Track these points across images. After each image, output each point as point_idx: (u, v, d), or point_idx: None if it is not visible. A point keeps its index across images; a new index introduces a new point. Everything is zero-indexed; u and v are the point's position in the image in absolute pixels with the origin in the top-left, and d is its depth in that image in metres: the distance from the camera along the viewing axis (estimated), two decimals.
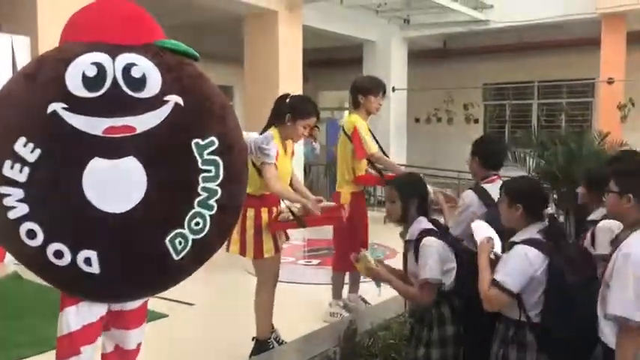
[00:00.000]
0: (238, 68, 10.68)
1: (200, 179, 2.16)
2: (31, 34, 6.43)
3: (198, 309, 5.01)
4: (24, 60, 6.36)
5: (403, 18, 12.36)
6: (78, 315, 2.21)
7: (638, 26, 11.32)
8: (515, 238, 2.63)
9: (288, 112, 3.72)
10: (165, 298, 4.91)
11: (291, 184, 3.89)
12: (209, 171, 2.17)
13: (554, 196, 7.56)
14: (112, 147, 2.06)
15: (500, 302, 2.52)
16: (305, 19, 10.05)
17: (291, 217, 3.76)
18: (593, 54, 10.89)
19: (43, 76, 2.04)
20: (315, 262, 6.30)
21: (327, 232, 6.18)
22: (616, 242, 2.36)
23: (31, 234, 2.04)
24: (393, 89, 12.47)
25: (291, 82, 9.31)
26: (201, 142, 2.15)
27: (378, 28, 12.32)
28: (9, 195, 2.00)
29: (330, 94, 16.90)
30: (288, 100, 3.80)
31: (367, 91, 4.64)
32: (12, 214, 2.02)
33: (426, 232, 2.84)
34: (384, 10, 11.72)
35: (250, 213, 3.67)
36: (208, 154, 2.16)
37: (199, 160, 2.15)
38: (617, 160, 2.92)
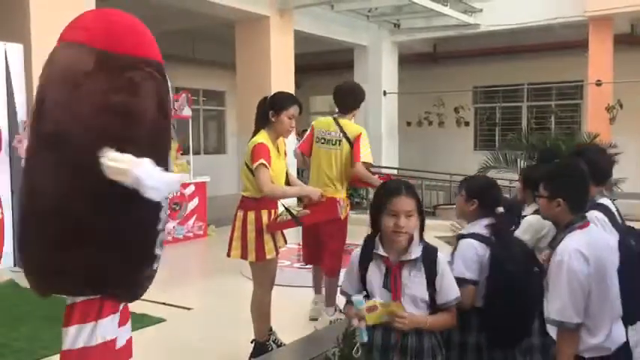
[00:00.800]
0: (230, 73, 10.73)
1: None
2: (24, 42, 6.45)
3: (197, 313, 5.03)
4: (17, 67, 6.38)
5: (393, 22, 12.46)
6: (113, 323, 2.32)
7: (624, 29, 11.49)
8: (463, 231, 2.83)
9: (270, 109, 3.79)
10: (163, 303, 4.97)
11: (287, 183, 3.95)
12: None
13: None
14: None
15: (471, 296, 2.64)
16: (296, 25, 10.12)
17: (289, 218, 3.81)
18: (581, 56, 11.03)
19: (167, 93, 2.28)
20: (310, 265, 6.33)
21: None
22: (553, 243, 2.48)
23: (160, 243, 2.32)
24: (385, 93, 12.56)
25: (283, 86, 9.35)
26: None
27: (369, 33, 12.42)
28: (163, 206, 2.25)
29: (322, 99, 16.96)
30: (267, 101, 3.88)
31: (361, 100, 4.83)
32: (160, 225, 2.28)
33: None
34: (374, 15, 11.82)
35: (251, 216, 3.72)
36: None
37: None
38: (578, 154, 3.10)
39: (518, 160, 8.50)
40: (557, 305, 2.32)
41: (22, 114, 6.42)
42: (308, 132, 4.89)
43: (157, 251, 2.29)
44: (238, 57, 10.10)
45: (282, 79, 9.73)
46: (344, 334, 3.52)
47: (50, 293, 2.32)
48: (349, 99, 4.79)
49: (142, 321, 4.43)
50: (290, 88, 9.81)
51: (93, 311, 2.24)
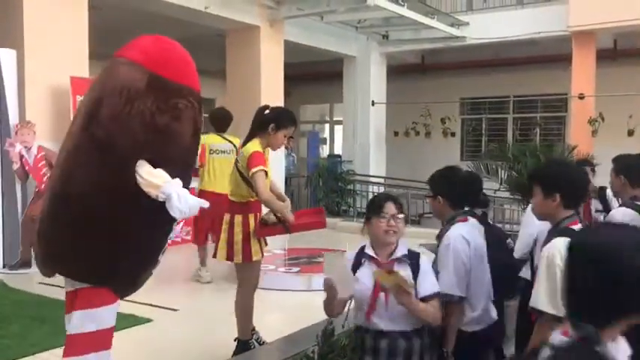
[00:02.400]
0: (221, 81, 10.85)
1: None
2: (17, 48, 6.55)
3: (182, 314, 5.14)
4: (10, 73, 6.48)
5: (382, 34, 12.66)
6: (112, 313, 2.50)
7: (607, 44, 11.74)
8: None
9: (272, 123, 3.92)
10: (149, 304, 5.07)
11: (271, 189, 4.09)
12: None
13: (525, 206, 7.83)
14: None
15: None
16: (286, 35, 10.28)
17: (275, 221, 3.94)
18: (565, 70, 11.26)
19: (200, 123, 2.57)
20: (294, 269, 6.46)
21: (307, 241, 6.38)
22: (440, 234, 2.97)
23: (164, 251, 2.64)
24: (373, 103, 12.73)
25: (272, 95, 9.51)
26: None
27: (358, 44, 12.60)
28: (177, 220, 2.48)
29: (311, 108, 17.15)
30: (269, 112, 4.00)
31: None
32: (171, 235, 2.57)
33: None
34: (363, 26, 12.00)
35: (238, 219, 3.86)
36: None
37: None
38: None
39: (499, 169, 8.67)
40: (445, 281, 2.75)
41: (13, 118, 6.51)
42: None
43: (161, 257, 2.58)
44: (229, 66, 10.24)
45: (272, 88, 9.88)
46: (323, 333, 3.66)
47: (53, 273, 2.50)
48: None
49: (129, 321, 4.53)
50: (280, 97, 9.96)
51: (96, 299, 2.39)
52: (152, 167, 2.30)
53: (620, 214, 3.34)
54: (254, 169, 3.74)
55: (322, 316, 4.61)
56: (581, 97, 10.73)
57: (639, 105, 10.88)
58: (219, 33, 10.17)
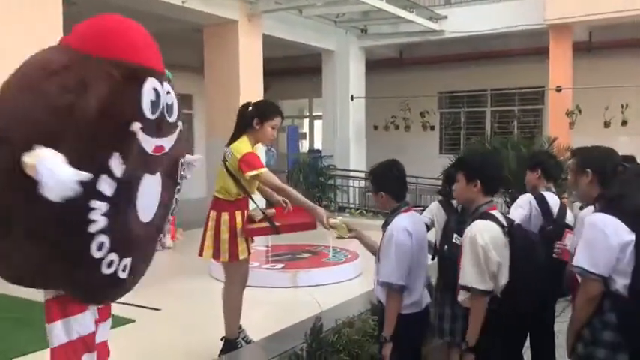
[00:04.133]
0: (199, 77, 10.74)
1: (176, 191, 2.57)
2: None
3: (165, 314, 5.07)
4: None
5: (361, 28, 12.64)
6: (88, 318, 2.33)
7: (583, 37, 11.88)
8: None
9: (255, 117, 3.87)
10: (131, 304, 4.98)
11: (259, 188, 4.05)
12: (179, 184, 2.58)
13: (507, 199, 7.90)
14: (154, 164, 2.32)
15: None
16: (265, 29, 10.20)
17: (261, 217, 3.91)
18: (542, 63, 11.36)
19: (128, 95, 2.15)
20: (279, 266, 6.42)
21: (290, 237, 6.33)
22: (385, 225, 3.14)
23: (100, 246, 2.13)
24: (352, 97, 12.72)
25: (251, 90, 9.44)
26: (182, 160, 2.55)
27: (337, 38, 12.57)
28: (96, 209, 2.08)
29: (291, 102, 17.08)
30: (251, 107, 3.95)
31: None
32: (92, 228, 2.08)
33: None
34: (342, 21, 11.97)
35: (225, 217, 3.80)
36: (182, 170, 2.57)
37: (179, 175, 2.55)
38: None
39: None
40: (387, 270, 2.95)
41: None
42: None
43: (97, 254, 2.12)
44: (207, 61, 10.13)
45: (250, 82, 9.80)
46: (312, 330, 3.64)
47: (10, 281, 2.25)
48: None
49: (111, 322, 4.45)
50: (259, 92, 9.88)
51: (67, 307, 2.29)
52: (42, 148, 1.94)
53: None
54: (257, 171, 3.74)
55: (309, 312, 4.61)
56: (559, 89, 10.85)
57: (615, 97, 11.01)
58: (196, 28, 10.05)
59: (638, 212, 2.45)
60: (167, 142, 2.32)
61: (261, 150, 9.27)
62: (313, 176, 12.04)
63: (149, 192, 2.32)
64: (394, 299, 2.99)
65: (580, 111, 10.71)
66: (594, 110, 10.84)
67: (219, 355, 3.93)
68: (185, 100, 14.70)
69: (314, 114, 16.86)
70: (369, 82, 13.27)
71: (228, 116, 4.06)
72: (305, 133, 17.20)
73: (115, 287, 2.32)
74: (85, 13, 2.36)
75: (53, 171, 1.89)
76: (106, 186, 2.08)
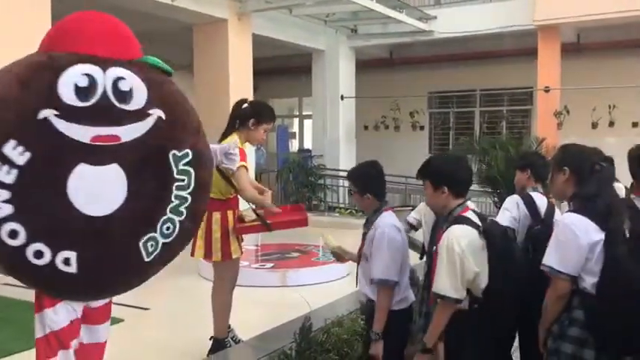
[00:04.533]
0: (188, 75, 10.70)
1: (174, 188, 2.34)
2: None
3: (154, 313, 5.06)
4: None
5: (351, 28, 12.65)
6: (60, 314, 2.28)
7: (571, 38, 11.97)
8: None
9: (252, 117, 3.85)
10: (120, 304, 4.92)
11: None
12: (182, 180, 2.35)
13: (495, 199, 7.95)
14: (98, 154, 2.17)
15: None
16: (255, 28, 10.18)
17: (254, 218, 3.89)
18: (531, 64, 11.43)
19: (36, 82, 2.10)
20: (268, 265, 6.42)
21: (279, 236, 6.32)
22: (367, 223, 3.21)
23: (13, 234, 2.09)
24: (342, 97, 12.73)
25: (241, 89, 9.40)
26: (178, 154, 2.33)
27: (327, 37, 12.57)
28: None
29: (280, 102, 17.06)
30: (248, 105, 3.94)
31: None
32: None
33: None
34: (332, 20, 11.97)
35: (216, 216, 3.79)
36: (183, 164, 2.34)
37: (175, 170, 2.33)
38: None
39: (470, 162, 8.76)
40: (380, 267, 3.00)
41: None
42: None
43: (12, 242, 2.09)
44: (196, 60, 10.09)
45: (240, 82, 9.78)
46: (301, 330, 3.64)
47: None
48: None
49: (109, 325, 4.43)
50: (248, 91, 9.86)
51: (42, 301, 2.29)
52: None
53: None
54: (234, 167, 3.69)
55: (298, 312, 4.61)
56: (547, 90, 10.92)
57: (603, 98, 11.10)
58: (186, 26, 10.01)
59: (609, 212, 2.48)
60: (123, 131, 2.19)
61: (250, 149, 9.28)
62: (303, 176, 12.05)
63: (92, 183, 2.17)
64: (387, 296, 3.04)
65: (568, 112, 10.79)
66: (582, 111, 10.93)
67: (207, 355, 3.92)
68: None
69: (304, 113, 16.85)
70: (358, 82, 13.29)
71: (218, 115, 4.06)
72: (295, 133, 17.19)
73: (64, 282, 2.21)
74: (73, 11, 2.33)
75: None
76: (3, 173, 2.03)
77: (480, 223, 2.75)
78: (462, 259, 2.60)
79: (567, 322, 2.51)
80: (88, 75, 2.13)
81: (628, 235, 2.48)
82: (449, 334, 2.74)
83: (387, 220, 3.11)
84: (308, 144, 15.30)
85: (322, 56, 12.81)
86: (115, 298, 4.23)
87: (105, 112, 2.16)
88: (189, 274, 6.08)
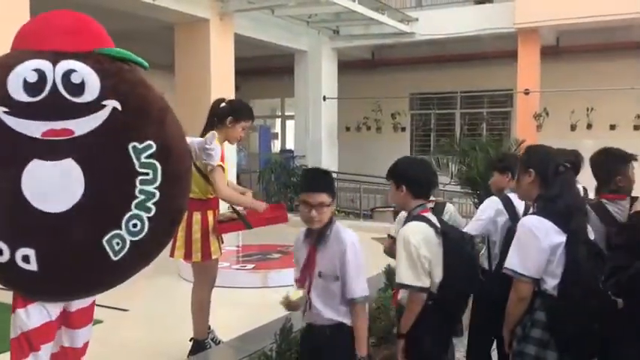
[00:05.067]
0: (169, 75, 10.63)
1: (137, 182, 2.21)
2: None
3: (133, 314, 5.01)
4: None
5: (333, 29, 12.67)
6: (31, 315, 2.25)
7: (550, 41, 12.11)
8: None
9: (229, 115, 3.84)
10: (98, 305, 4.87)
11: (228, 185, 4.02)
12: (146, 174, 2.22)
13: (475, 199, 8.02)
14: (51, 149, 2.12)
15: None
16: (237, 28, 10.15)
17: (232, 217, 3.88)
18: (511, 66, 11.55)
19: None
20: (249, 266, 6.40)
21: (260, 237, 6.31)
22: (321, 239, 2.94)
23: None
24: (324, 98, 12.74)
25: (222, 89, 9.35)
26: (139, 146, 2.20)
27: (309, 38, 12.57)
28: None
29: (263, 102, 17.03)
30: (226, 104, 3.92)
31: None
32: None
33: None
34: (314, 21, 11.98)
35: (197, 216, 3.77)
36: (146, 157, 2.21)
37: (136, 163, 2.21)
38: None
39: (450, 164, 8.84)
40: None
41: None
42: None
43: None
44: (177, 59, 10.04)
45: (221, 82, 9.74)
46: (281, 330, 3.63)
47: None
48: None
49: (90, 329, 4.38)
50: (230, 92, 9.82)
51: (16, 301, 2.27)
52: None
53: None
54: (212, 166, 3.68)
55: (279, 313, 4.59)
56: (527, 92, 11.04)
57: (581, 101, 11.25)
58: (167, 26, 9.95)
59: (571, 213, 2.51)
60: (76, 125, 2.14)
61: (232, 150, 9.25)
62: (285, 176, 12.03)
63: (47, 179, 2.13)
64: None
65: (547, 114, 10.93)
66: (561, 113, 11.07)
67: (188, 356, 3.89)
68: None
69: (286, 114, 16.84)
70: (341, 83, 13.31)
71: (199, 115, 4.02)
72: (277, 133, 17.17)
73: (26, 279, 2.19)
74: (52, 9, 2.33)
75: None
76: None
77: (438, 224, 2.83)
78: (418, 249, 2.72)
79: (530, 324, 2.54)
80: (37, 70, 2.11)
81: (593, 239, 2.56)
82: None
83: (349, 234, 2.81)
84: (290, 144, 15.30)
85: (304, 57, 12.81)
86: (102, 292, 4.15)
87: (56, 106, 2.12)
88: (168, 274, 6.04)
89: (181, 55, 9.93)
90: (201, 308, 3.91)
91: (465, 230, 3.48)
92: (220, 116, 3.86)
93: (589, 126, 11.13)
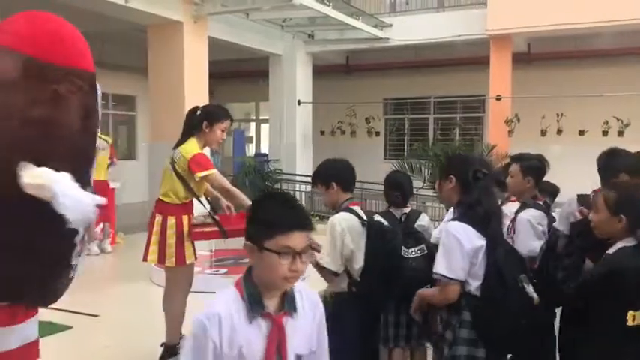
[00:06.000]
0: (142, 78, 10.53)
1: None
2: None
3: (103, 320, 4.94)
4: None
5: (308, 33, 12.70)
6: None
7: (522, 48, 12.31)
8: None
9: (204, 120, 3.84)
10: (68, 310, 4.84)
11: (207, 192, 4.01)
12: None
13: None
14: None
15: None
16: (211, 31, 10.10)
17: (208, 223, 3.87)
18: (483, 72, 11.70)
19: (92, 104, 2.14)
20: (222, 271, 6.36)
21: (234, 242, 6.28)
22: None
23: (78, 254, 2.18)
24: (299, 102, 12.76)
25: (196, 93, 9.32)
26: None
27: (284, 42, 12.58)
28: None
29: (237, 106, 16.97)
30: (200, 110, 3.92)
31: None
32: (77, 238, 2.10)
33: None
34: (289, 25, 12.00)
35: (171, 221, 3.75)
36: None
37: None
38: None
39: (423, 168, 8.91)
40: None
41: None
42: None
43: (74, 261, 2.18)
44: (150, 62, 9.94)
45: (195, 85, 9.67)
46: None
47: None
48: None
49: (47, 329, 4.29)
50: (204, 95, 9.77)
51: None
52: (36, 167, 1.93)
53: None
54: (207, 172, 3.73)
55: None
56: (498, 98, 11.19)
57: (551, 107, 11.44)
58: (140, 28, 9.86)
59: (489, 218, 2.65)
60: None
61: (206, 152, 9.20)
62: (259, 180, 11.99)
63: None
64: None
65: (519, 119, 11.09)
66: (532, 119, 11.24)
67: None
68: (128, 101, 14.41)
69: (261, 118, 16.80)
70: (315, 88, 13.34)
71: (172, 119, 4.03)
72: (251, 137, 17.12)
73: (66, 288, 2.29)
74: (21, 10, 2.23)
75: (70, 192, 1.92)
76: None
77: (364, 217, 3.13)
78: (343, 236, 3.02)
79: (458, 325, 2.65)
80: None
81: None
82: (333, 314, 2.82)
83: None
84: (265, 149, 15.27)
85: (279, 61, 12.81)
86: (63, 305, 4.07)
87: None
88: (140, 280, 5.98)
89: (155, 57, 9.84)
90: (175, 314, 3.88)
91: (432, 235, 3.52)
92: (196, 124, 3.86)
93: (559, 131, 11.32)
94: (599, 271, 2.51)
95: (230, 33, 10.85)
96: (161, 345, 3.91)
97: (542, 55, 12.47)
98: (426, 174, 8.87)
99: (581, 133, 11.23)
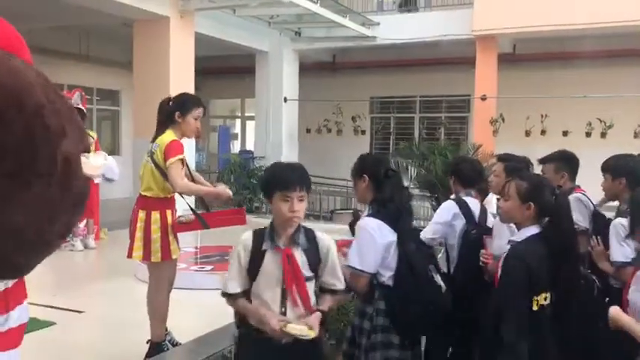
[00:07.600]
0: (127, 72, 10.46)
1: None
2: None
3: (88, 316, 4.90)
4: None
5: (295, 30, 12.67)
6: None
7: (507, 48, 12.40)
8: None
9: (177, 111, 3.81)
10: (52, 307, 4.80)
11: (192, 181, 3.96)
12: None
13: (433, 202, 8.14)
14: None
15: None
16: (197, 27, 10.05)
17: (191, 220, 3.85)
18: (469, 72, 11.77)
19: None
20: (207, 267, 6.33)
21: (219, 238, 6.26)
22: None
23: None
24: (285, 99, 12.74)
25: (182, 88, 9.07)
26: None
27: (271, 39, 12.54)
28: None
29: (222, 102, 16.91)
30: (172, 101, 3.89)
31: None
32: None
33: None
34: (276, 22, 11.97)
35: (155, 216, 3.71)
36: None
37: None
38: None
39: (409, 167, 8.95)
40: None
41: None
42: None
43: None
44: (136, 57, 9.86)
45: (181, 80, 9.61)
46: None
47: None
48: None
49: (30, 325, 4.22)
50: (190, 91, 9.67)
51: None
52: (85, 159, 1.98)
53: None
54: (172, 159, 3.64)
55: None
56: (484, 98, 11.27)
57: (536, 107, 11.54)
58: (126, 22, 9.78)
59: (400, 214, 2.85)
60: None
61: (190, 149, 9.15)
62: (244, 177, 11.96)
63: None
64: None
65: (503, 119, 11.17)
66: (516, 119, 11.32)
67: (144, 359, 3.83)
68: (112, 96, 14.29)
69: (246, 114, 16.75)
70: (302, 85, 13.32)
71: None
72: (237, 134, 17.06)
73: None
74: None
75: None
76: None
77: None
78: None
79: (375, 314, 2.81)
80: None
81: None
82: None
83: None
84: (250, 145, 15.22)
85: (266, 57, 12.78)
86: (47, 301, 3.99)
87: None
88: (124, 276, 5.93)
89: (140, 52, 9.76)
90: (158, 310, 3.85)
91: (422, 234, 3.53)
92: (169, 115, 3.82)
93: (543, 132, 11.41)
94: (511, 262, 2.64)
95: (217, 29, 10.80)
96: (147, 342, 3.88)
97: (528, 56, 12.57)
98: (412, 173, 8.92)
99: (565, 133, 11.33)
